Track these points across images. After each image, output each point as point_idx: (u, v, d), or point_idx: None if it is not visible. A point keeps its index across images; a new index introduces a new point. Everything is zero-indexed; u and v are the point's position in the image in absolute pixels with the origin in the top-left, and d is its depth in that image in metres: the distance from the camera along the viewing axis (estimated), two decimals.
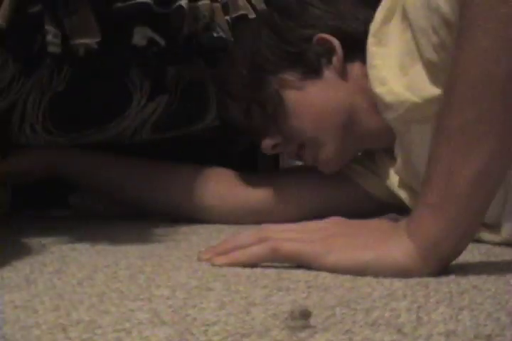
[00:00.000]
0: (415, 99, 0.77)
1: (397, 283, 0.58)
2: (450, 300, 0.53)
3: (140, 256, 0.72)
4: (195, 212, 1.02)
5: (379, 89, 0.83)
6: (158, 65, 0.92)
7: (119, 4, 0.84)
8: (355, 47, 0.90)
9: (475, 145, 0.58)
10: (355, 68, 0.92)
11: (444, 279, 0.59)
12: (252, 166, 1.22)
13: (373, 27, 0.86)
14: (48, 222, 1.02)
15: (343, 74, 0.92)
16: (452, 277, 0.60)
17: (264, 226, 0.69)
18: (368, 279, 0.60)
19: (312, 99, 0.92)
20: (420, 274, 0.60)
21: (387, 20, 0.85)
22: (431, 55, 0.73)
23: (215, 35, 0.96)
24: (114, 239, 0.82)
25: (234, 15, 0.99)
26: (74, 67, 0.87)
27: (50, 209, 1.11)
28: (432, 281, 0.59)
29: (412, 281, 0.59)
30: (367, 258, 0.62)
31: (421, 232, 0.60)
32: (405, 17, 0.79)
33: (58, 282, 0.60)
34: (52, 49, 0.76)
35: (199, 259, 0.69)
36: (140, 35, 0.87)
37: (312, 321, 0.46)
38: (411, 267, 0.60)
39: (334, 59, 0.92)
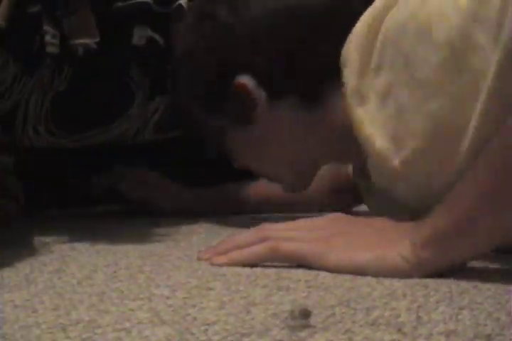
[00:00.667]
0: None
1: (397, 283, 0.58)
2: (450, 300, 0.52)
3: (140, 256, 0.72)
4: None
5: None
6: (158, 65, 0.92)
7: (119, 4, 0.84)
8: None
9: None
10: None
11: (443, 279, 0.59)
12: None
13: (350, 78, 0.71)
14: (48, 221, 1.02)
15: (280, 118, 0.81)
16: (452, 277, 0.60)
17: (264, 225, 0.69)
18: (368, 279, 0.60)
19: (251, 144, 0.84)
20: (418, 277, 0.60)
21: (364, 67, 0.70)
22: None
23: None
24: (114, 239, 0.82)
25: None
26: (74, 67, 0.87)
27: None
28: (432, 281, 0.59)
29: (412, 281, 0.59)
30: (366, 258, 0.62)
31: (422, 250, 0.60)
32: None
33: (58, 281, 0.60)
34: (50, 49, 0.76)
35: (199, 259, 0.69)
36: (140, 35, 0.87)
37: (312, 320, 0.46)
38: (407, 271, 0.60)
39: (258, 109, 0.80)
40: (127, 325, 0.46)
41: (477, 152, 0.59)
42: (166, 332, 0.44)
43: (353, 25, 0.72)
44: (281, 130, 0.81)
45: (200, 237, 0.87)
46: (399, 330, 0.44)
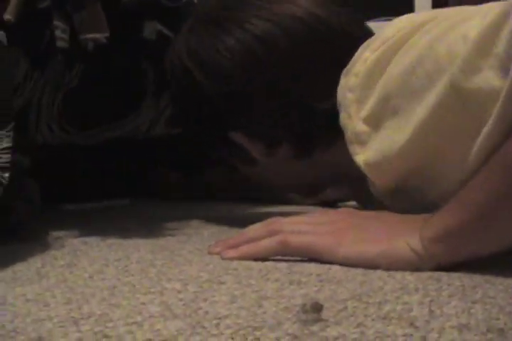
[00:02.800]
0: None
1: (409, 277, 0.58)
2: (462, 294, 0.52)
3: (151, 250, 0.72)
4: None
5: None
6: None
7: None
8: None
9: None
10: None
11: (456, 273, 0.59)
12: None
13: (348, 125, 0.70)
14: (59, 215, 1.02)
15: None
16: (464, 271, 0.60)
17: (274, 219, 0.69)
18: (380, 273, 0.60)
19: (256, 174, 0.85)
20: (427, 269, 0.60)
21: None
22: None
23: None
24: (125, 233, 0.82)
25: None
26: (84, 63, 0.87)
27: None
28: (444, 275, 0.58)
29: (424, 275, 0.58)
30: (376, 252, 0.61)
31: (433, 246, 0.59)
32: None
33: (70, 276, 0.60)
34: (60, 44, 0.76)
35: (210, 252, 0.69)
36: (150, 30, 0.87)
37: (324, 314, 0.46)
38: (417, 264, 0.60)
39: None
40: (139, 318, 0.46)
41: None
42: (177, 325, 0.44)
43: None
44: (281, 170, 0.82)
45: (210, 231, 0.87)
46: (411, 324, 0.44)
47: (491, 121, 0.58)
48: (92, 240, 0.78)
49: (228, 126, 0.79)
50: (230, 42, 0.76)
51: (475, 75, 0.59)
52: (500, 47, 0.57)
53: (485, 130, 0.58)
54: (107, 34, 0.77)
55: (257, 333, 0.43)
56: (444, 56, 0.62)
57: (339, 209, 0.69)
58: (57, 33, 0.76)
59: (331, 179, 0.85)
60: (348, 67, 0.70)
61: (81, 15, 0.79)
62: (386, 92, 0.67)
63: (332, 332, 0.43)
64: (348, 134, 0.70)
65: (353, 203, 0.98)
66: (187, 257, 0.68)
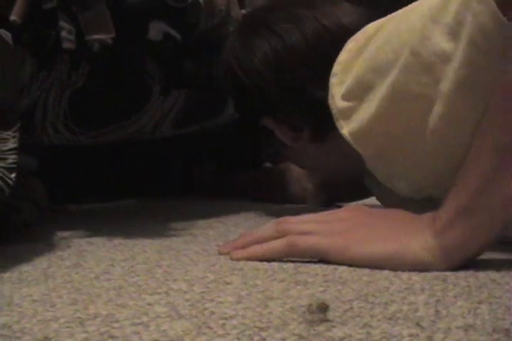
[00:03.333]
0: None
1: (415, 277, 0.58)
2: (468, 294, 0.52)
3: (157, 250, 0.72)
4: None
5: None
6: (174, 60, 0.92)
7: None
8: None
9: None
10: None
11: (462, 273, 0.59)
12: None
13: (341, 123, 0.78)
14: (64, 216, 1.02)
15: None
16: (471, 271, 0.60)
17: (283, 218, 0.69)
18: (386, 273, 0.60)
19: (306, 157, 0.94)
20: (434, 269, 0.60)
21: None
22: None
23: (231, 29, 0.96)
24: (131, 234, 0.82)
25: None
26: (90, 63, 0.87)
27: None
28: (450, 275, 0.58)
29: (430, 275, 0.58)
30: (387, 252, 0.61)
31: (447, 232, 0.59)
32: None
33: (76, 276, 0.60)
34: (66, 45, 0.76)
35: (219, 253, 0.69)
36: (156, 30, 0.87)
37: (330, 315, 0.46)
38: (430, 263, 0.60)
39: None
40: (145, 319, 0.46)
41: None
42: (183, 326, 0.44)
43: None
44: (307, 153, 0.92)
45: (216, 231, 0.87)
46: (417, 324, 0.44)
47: (449, 80, 0.66)
48: (98, 240, 0.78)
49: (261, 113, 0.91)
50: (264, 49, 0.88)
51: (429, 41, 0.67)
52: (448, 16, 0.65)
53: (442, 87, 0.66)
54: (112, 35, 0.78)
55: (263, 333, 0.43)
56: (406, 32, 0.70)
57: (348, 207, 0.69)
58: (63, 34, 0.77)
59: (344, 174, 0.93)
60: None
61: (86, 16, 0.79)
62: (361, 71, 0.74)
63: (338, 332, 0.43)
64: (334, 112, 0.77)
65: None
66: (193, 258, 0.68)
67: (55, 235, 0.82)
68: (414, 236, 0.61)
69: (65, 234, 0.83)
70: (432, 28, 0.67)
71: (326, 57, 0.81)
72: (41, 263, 0.66)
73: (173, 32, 0.89)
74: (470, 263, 0.61)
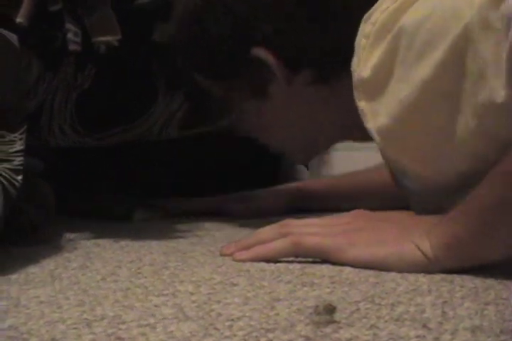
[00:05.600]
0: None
1: (422, 279, 0.58)
2: (475, 296, 0.52)
3: (164, 252, 0.72)
4: None
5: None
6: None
7: (140, 1, 0.84)
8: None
9: None
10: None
11: (468, 275, 0.59)
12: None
13: (357, 69, 0.70)
14: (71, 217, 1.02)
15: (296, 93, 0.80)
16: (477, 273, 0.60)
17: (286, 221, 0.69)
18: (393, 274, 0.60)
19: (261, 116, 0.84)
20: (436, 272, 0.60)
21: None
22: None
23: None
24: (138, 235, 0.82)
25: None
26: (97, 65, 0.88)
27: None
28: (457, 277, 0.58)
29: (437, 277, 0.58)
30: (386, 253, 0.61)
31: (451, 233, 0.59)
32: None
33: (82, 277, 0.60)
34: (73, 47, 0.76)
35: (221, 254, 0.69)
36: (161, 31, 0.87)
37: (337, 316, 0.46)
38: (427, 265, 0.60)
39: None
40: (152, 320, 0.46)
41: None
42: (190, 327, 0.44)
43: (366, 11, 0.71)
44: (293, 105, 0.81)
45: (222, 233, 0.87)
46: (424, 326, 0.44)
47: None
48: (105, 242, 0.78)
49: (253, 39, 0.78)
50: None
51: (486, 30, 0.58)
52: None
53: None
54: (118, 37, 0.78)
55: (270, 335, 0.43)
56: (455, 10, 0.62)
57: (352, 212, 0.69)
58: (70, 36, 0.77)
59: (335, 134, 0.85)
60: (367, 15, 0.70)
61: (92, 18, 0.79)
62: (396, 43, 0.66)
63: (345, 333, 0.43)
64: (355, 79, 0.70)
65: None
66: (199, 259, 0.68)
67: (62, 237, 0.82)
68: (413, 239, 0.61)
69: (72, 235, 0.83)
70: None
71: None
72: (48, 264, 0.66)
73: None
74: (476, 266, 0.61)
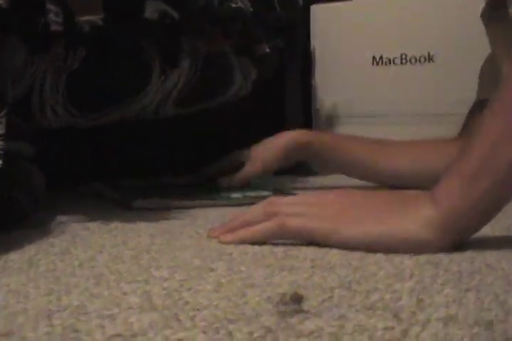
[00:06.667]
0: None
1: (407, 262, 0.56)
2: (458, 281, 0.50)
3: (150, 235, 0.71)
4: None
5: None
6: (171, 37, 0.90)
7: None
8: None
9: None
10: None
11: (457, 256, 0.57)
12: None
13: None
14: (64, 200, 1.01)
15: None
16: (467, 254, 0.58)
17: (271, 199, 0.67)
18: (378, 257, 0.58)
19: None
20: (434, 247, 0.58)
21: None
22: None
23: (233, 5, 0.94)
24: (130, 217, 0.81)
25: None
26: (86, 44, 0.86)
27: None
28: (444, 259, 0.56)
29: (423, 259, 0.56)
30: (378, 231, 0.59)
31: (448, 201, 0.58)
32: None
33: (60, 264, 0.59)
34: (54, 27, 0.75)
35: (209, 236, 0.68)
36: (152, 9, 0.85)
37: (306, 305, 0.44)
38: (426, 238, 0.58)
39: None
40: (116, 310, 0.45)
41: None
42: (152, 318, 0.43)
43: None
44: None
45: (218, 212, 0.85)
46: (394, 316, 0.42)
47: None
48: (94, 225, 0.77)
49: None
50: None
51: None
52: None
53: None
54: (100, 15, 0.76)
55: (231, 326, 0.41)
56: None
57: (339, 190, 0.67)
58: (51, 16, 0.75)
59: None
60: None
61: None
62: None
63: (310, 325, 0.41)
64: None
65: None
66: (185, 242, 0.67)
67: (53, 220, 0.81)
68: (410, 214, 0.59)
69: (63, 218, 0.82)
70: None
71: None
72: (30, 250, 0.64)
73: (169, 10, 0.87)
74: (467, 245, 0.59)
